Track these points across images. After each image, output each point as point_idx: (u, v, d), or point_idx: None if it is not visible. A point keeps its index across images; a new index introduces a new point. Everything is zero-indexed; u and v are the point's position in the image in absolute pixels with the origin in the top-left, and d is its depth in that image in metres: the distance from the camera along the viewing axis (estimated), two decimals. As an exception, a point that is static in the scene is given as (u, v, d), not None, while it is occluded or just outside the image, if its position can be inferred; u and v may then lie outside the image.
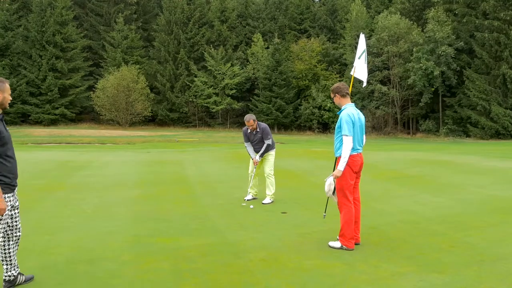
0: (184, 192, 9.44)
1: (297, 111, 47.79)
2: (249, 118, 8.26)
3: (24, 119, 48.78)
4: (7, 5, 49.57)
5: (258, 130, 8.30)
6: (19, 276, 4.25)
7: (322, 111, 46.25)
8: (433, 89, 41.89)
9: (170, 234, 6.07)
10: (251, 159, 8.50)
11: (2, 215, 3.80)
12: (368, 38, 46.24)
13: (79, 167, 13.74)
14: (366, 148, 23.98)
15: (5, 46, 47.86)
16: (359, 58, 7.02)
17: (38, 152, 19.58)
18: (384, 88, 44.08)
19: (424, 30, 42.61)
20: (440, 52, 40.31)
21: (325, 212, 6.87)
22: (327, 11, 52.88)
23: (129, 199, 8.58)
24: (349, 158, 5.33)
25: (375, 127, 46.13)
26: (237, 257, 5.10)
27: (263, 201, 8.16)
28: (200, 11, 52.89)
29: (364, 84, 7.37)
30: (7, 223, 4.03)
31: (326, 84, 46.93)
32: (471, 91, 39.67)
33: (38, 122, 48.20)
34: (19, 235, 4.22)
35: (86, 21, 55.08)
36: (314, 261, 4.94)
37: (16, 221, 4.12)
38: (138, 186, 10.03)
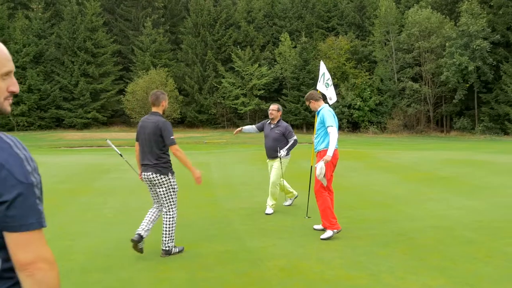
0: (207, 195, 9.27)
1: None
2: (274, 105, 7.51)
3: (58, 123, 50.05)
4: (40, 14, 50.95)
5: (278, 125, 7.42)
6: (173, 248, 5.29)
7: (352, 110, 45.47)
8: (467, 85, 40.49)
9: (189, 240, 5.89)
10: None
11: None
12: (398, 34, 45.26)
13: (106, 170, 13.81)
14: (397, 148, 23.31)
15: (39, 54, 49.20)
16: (318, 82, 7.48)
17: (69, 155, 19.89)
18: (416, 85, 42.93)
19: (457, 24, 41.26)
20: (474, 46, 38.93)
21: (307, 215, 7.14)
22: (355, 7, 51.99)
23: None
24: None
25: (407, 125, 44.99)
26: (255, 266, 4.86)
27: (267, 212, 7.42)
28: (227, 13, 52.95)
29: (333, 101, 7.45)
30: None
31: (355, 83, 46.13)
32: (509, 87, 38.13)
33: (71, 126, 49.36)
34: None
35: (115, 26, 56.02)
36: (337, 271, 4.65)
37: None
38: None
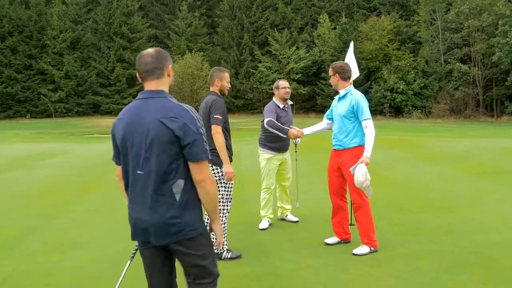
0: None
1: (367, 94, 44.80)
2: (285, 81, 5.90)
3: (95, 109, 50.26)
4: (77, -1, 51.03)
5: (289, 105, 5.91)
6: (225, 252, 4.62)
7: (395, 94, 43.06)
8: (522, 66, 37.45)
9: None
10: (268, 169, 5.72)
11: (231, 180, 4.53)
12: (445, 12, 42.36)
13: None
14: (445, 135, 21.34)
15: (76, 40, 49.30)
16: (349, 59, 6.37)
17: (97, 144, 19.23)
18: (465, 67, 40.05)
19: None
20: (531, 24, 35.82)
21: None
22: (399, -14, 49.15)
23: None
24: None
25: (454, 110, 42.24)
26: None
27: (290, 219, 6.03)
28: (264, -6, 51.36)
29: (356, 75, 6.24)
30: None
31: (398, 65, 43.60)
32: None
33: (108, 112, 49.43)
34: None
35: (151, 10, 55.52)
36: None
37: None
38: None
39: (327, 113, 5.16)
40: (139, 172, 2.39)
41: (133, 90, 49.50)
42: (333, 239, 5.06)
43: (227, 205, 4.64)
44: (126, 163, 2.46)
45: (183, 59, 46.89)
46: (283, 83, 5.87)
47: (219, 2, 54.41)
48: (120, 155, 2.48)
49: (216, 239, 2.60)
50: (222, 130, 4.43)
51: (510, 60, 36.70)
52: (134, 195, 2.45)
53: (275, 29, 49.46)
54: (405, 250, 4.77)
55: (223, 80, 4.63)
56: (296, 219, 6.01)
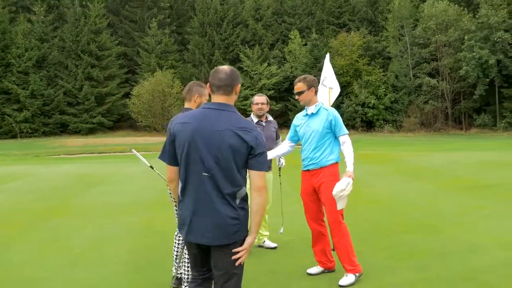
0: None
1: (339, 109, 45.03)
2: (261, 96, 5.49)
3: (63, 129, 48.70)
4: (42, 17, 49.75)
5: (270, 121, 5.51)
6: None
7: (366, 109, 43.42)
8: (488, 79, 38.23)
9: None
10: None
11: None
12: (413, 28, 43.23)
13: (96, 183, 12.21)
14: (418, 149, 21.35)
15: (42, 58, 47.90)
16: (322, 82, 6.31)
17: (63, 165, 18.36)
18: (433, 81, 40.76)
19: (476, 16, 39.08)
20: (495, 39, 36.71)
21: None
22: (367, 2, 49.91)
23: (137, 228, 6.80)
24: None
25: (424, 123, 42.84)
26: None
27: (268, 245, 5.55)
28: (234, 11, 51.27)
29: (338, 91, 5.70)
30: None
31: (369, 80, 44.08)
32: (533, 80, 35.93)
33: (77, 132, 47.99)
34: None
35: (120, 28, 54.69)
36: None
37: None
38: (152, 207, 8.25)
39: (290, 135, 4.66)
40: (204, 174, 2.57)
41: (102, 109, 48.29)
42: (316, 269, 4.60)
43: None
44: (187, 163, 2.63)
45: (153, 76, 46.17)
46: (257, 98, 5.45)
47: (189, 19, 54.12)
48: (182, 156, 2.64)
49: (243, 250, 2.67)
50: None
51: (476, 74, 37.58)
52: (194, 194, 2.61)
53: (246, 45, 49.40)
54: (395, 279, 4.35)
55: (202, 97, 4.17)
56: (274, 245, 5.53)
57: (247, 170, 2.63)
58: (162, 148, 2.79)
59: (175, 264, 4.22)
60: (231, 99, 2.74)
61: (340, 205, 4.24)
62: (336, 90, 5.61)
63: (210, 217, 2.55)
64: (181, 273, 4.17)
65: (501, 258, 4.85)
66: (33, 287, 4.50)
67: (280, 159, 5.22)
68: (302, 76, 4.53)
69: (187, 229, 2.63)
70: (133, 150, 5.24)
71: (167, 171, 2.80)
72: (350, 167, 4.30)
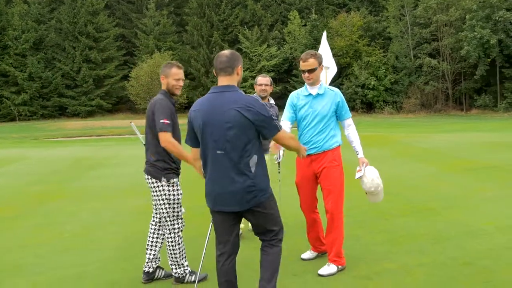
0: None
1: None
2: (265, 77, 5.22)
3: (61, 112, 48.54)
4: (39, -3, 49.15)
5: (272, 105, 5.27)
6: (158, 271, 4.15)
7: (366, 90, 43.13)
8: (489, 60, 37.87)
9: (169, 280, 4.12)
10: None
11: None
12: (413, 8, 42.65)
13: (95, 165, 12.13)
14: (418, 130, 21.16)
15: (39, 40, 47.47)
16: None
17: (61, 148, 18.25)
18: (434, 62, 40.39)
19: (478, -5, 38.54)
20: (497, 18, 36.22)
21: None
22: (368, -18, 49.27)
23: (131, 212, 6.71)
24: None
25: (424, 104, 42.59)
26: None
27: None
28: (233, -9, 50.63)
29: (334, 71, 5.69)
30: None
31: (369, 61, 43.68)
32: (534, 60, 35.56)
33: (75, 115, 47.82)
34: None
35: (118, 9, 54.01)
36: None
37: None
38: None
39: (288, 115, 4.25)
40: (219, 152, 2.92)
41: (101, 91, 48.06)
42: (309, 254, 4.51)
43: (177, 222, 3.93)
44: (205, 145, 3.00)
45: (151, 58, 45.76)
46: (261, 79, 5.20)
47: (188, 0, 53.42)
48: (200, 139, 3.02)
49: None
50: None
51: (478, 54, 37.19)
52: (215, 171, 2.97)
53: (245, 26, 48.85)
54: (392, 265, 4.25)
55: (168, 77, 3.87)
56: None
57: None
58: (186, 134, 3.16)
59: (150, 259, 4.07)
60: (234, 80, 3.04)
61: (379, 199, 4.30)
62: (333, 69, 5.44)
63: (229, 188, 2.93)
64: (180, 272, 4.01)
65: (501, 242, 4.75)
66: (19, 273, 4.41)
67: (280, 150, 4.64)
68: (312, 52, 4.17)
69: (213, 200, 3.03)
70: (132, 122, 5.06)
71: (191, 152, 3.25)
72: (362, 152, 4.26)
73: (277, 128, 2.98)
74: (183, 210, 4.10)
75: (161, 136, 3.61)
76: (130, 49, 52.19)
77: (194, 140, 3.13)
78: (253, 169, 2.93)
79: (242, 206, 2.95)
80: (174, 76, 3.87)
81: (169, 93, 3.91)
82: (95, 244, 5.27)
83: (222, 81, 3.02)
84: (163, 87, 3.93)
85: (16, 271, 4.48)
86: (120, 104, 51.55)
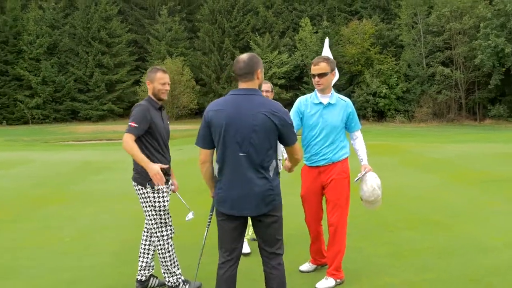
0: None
1: (349, 98, 44.34)
2: (266, 83, 4.86)
3: (74, 116, 48.96)
4: (53, 4, 49.72)
5: None
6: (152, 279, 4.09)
7: (378, 98, 42.78)
8: (504, 69, 37.33)
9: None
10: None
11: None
12: (426, 15, 42.31)
13: (100, 169, 12.10)
14: (430, 140, 20.81)
15: (53, 45, 48.04)
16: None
17: (69, 151, 18.30)
18: (447, 70, 39.94)
19: (492, 3, 38.05)
20: None
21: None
22: (380, -11, 49.03)
23: (130, 217, 6.60)
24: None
25: (437, 113, 42.08)
26: None
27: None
28: (245, -2, 50.78)
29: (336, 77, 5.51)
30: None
31: (380, 69, 43.37)
32: (550, 70, 35.01)
33: (87, 119, 48.20)
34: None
35: (130, 15, 54.47)
36: None
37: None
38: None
39: (295, 123, 3.92)
40: (241, 154, 2.87)
41: (112, 96, 48.40)
42: (308, 266, 4.35)
43: (165, 230, 3.84)
44: (225, 146, 2.90)
45: (163, 64, 45.96)
46: (264, 86, 5.08)
47: (200, 7, 53.65)
48: (218, 140, 2.90)
49: None
50: (146, 146, 3.69)
51: (492, 63, 36.71)
52: (234, 173, 2.90)
53: (256, 33, 48.89)
54: (394, 279, 4.08)
55: (154, 81, 3.80)
56: None
57: (284, 147, 3.07)
58: (197, 136, 3.04)
59: (143, 267, 4.02)
60: (255, 84, 2.99)
61: (375, 207, 4.22)
62: (335, 75, 5.27)
63: (249, 191, 2.88)
64: (173, 280, 3.90)
65: (509, 258, 4.54)
66: (12, 276, 4.31)
67: (279, 158, 4.37)
68: (324, 56, 4.04)
69: (230, 203, 2.93)
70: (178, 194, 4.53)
71: (200, 154, 3.03)
72: (366, 160, 4.12)
73: (296, 137, 3.01)
74: (191, 216, 4.01)
75: (123, 137, 3.58)
76: (142, 55, 52.53)
77: (208, 141, 2.98)
78: (271, 173, 2.94)
79: (260, 210, 2.92)
80: (159, 81, 3.81)
81: (156, 98, 3.85)
82: (92, 248, 5.18)
83: (243, 85, 2.98)
84: (149, 92, 3.88)
85: (11, 273, 4.40)
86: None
